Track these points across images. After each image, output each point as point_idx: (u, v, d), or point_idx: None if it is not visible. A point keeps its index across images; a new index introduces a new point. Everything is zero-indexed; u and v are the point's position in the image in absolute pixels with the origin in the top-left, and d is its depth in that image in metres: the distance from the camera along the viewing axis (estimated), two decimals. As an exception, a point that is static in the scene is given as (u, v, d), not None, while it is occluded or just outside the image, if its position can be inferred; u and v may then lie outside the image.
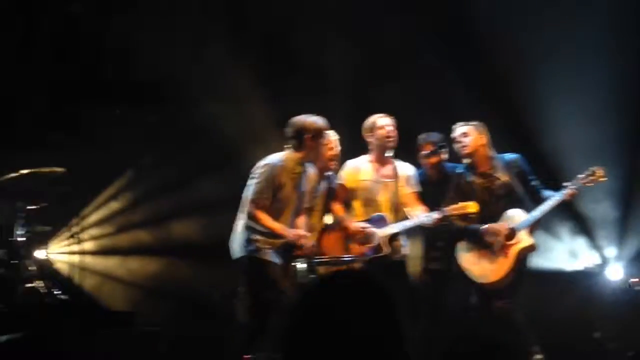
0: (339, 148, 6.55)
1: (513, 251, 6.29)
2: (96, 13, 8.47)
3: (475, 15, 7.89)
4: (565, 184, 6.28)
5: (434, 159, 6.77)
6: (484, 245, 6.34)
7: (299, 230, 6.07)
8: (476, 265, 6.39)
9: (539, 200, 6.37)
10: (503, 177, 6.42)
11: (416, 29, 7.99)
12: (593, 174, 6.25)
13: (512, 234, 6.28)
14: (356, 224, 6.43)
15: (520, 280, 6.40)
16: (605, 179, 6.30)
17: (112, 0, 8.52)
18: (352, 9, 8.24)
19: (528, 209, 6.35)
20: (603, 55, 7.72)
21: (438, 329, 6.49)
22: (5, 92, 8.23)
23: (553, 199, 6.28)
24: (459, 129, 6.47)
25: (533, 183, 6.47)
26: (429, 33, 8.01)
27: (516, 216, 6.33)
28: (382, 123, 6.52)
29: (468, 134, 6.43)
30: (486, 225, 6.31)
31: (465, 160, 6.52)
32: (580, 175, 6.26)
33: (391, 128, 6.51)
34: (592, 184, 6.30)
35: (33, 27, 8.52)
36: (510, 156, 6.55)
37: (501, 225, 6.28)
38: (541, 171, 6.70)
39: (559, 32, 7.85)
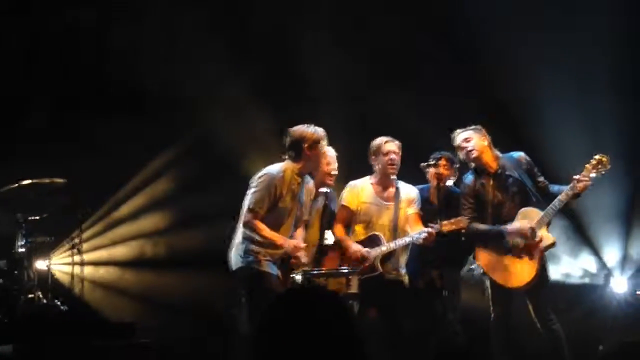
0: (336, 164, 6.50)
1: (538, 250, 6.19)
2: (97, 24, 8.50)
3: (474, 20, 7.91)
4: (575, 176, 6.09)
5: (435, 172, 6.65)
6: (507, 248, 6.23)
7: (297, 241, 6.02)
8: (502, 271, 6.27)
9: (549, 196, 6.27)
10: (513, 174, 6.33)
11: (416, 37, 8.02)
12: (600, 161, 6.08)
13: (533, 233, 6.17)
14: (353, 246, 6.36)
15: (545, 279, 6.31)
16: (610, 166, 6.09)
17: (114, 11, 8.55)
18: (352, 18, 8.27)
19: (539, 205, 6.25)
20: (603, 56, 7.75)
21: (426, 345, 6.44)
22: (7, 102, 8.25)
23: (564, 193, 6.11)
24: (460, 136, 6.39)
25: (541, 179, 6.39)
26: (428, 40, 8.03)
27: (532, 214, 6.21)
28: (387, 149, 6.44)
29: (470, 139, 6.35)
30: (509, 227, 6.20)
31: (472, 166, 6.43)
32: (587, 165, 6.09)
33: (394, 156, 6.43)
34: (602, 173, 6.10)
35: (34, 39, 8.54)
36: (515, 154, 6.48)
37: (523, 226, 6.17)
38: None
39: (558, 36, 7.87)
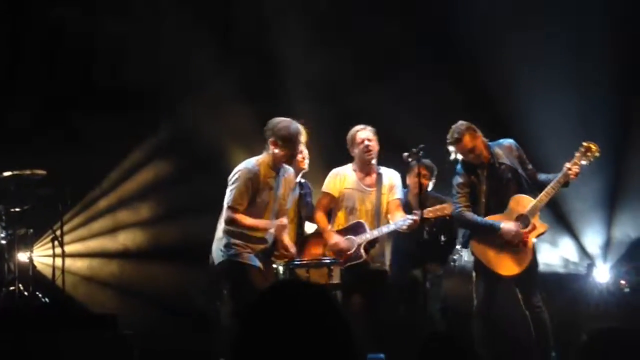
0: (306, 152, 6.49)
1: (531, 239, 6.22)
2: (84, 20, 8.48)
3: (459, 19, 7.93)
4: (567, 164, 6.11)
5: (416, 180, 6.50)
6: (501, 241, 6.22)
7: (280, 219, 5.99)
8: (497, 260, 6.25)
9: (537, 184, 6.29)
10: (506, 162, 6.31)
11: (400, 34, 8.05)
12: (589, 149, 6.13)
13: (526, 221, 6.18)
14: (335, 236, 6.36)
15: (535, 267, 6.36)
16: (599, 154, 6.15)
17: (102, 7, 8.55)
18: (336, 14, 8.29)
19: (531, 192, 6.27)
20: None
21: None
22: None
23: (556, 180, 6.13)
24: (464, 147, 6.26)
25: (530, 166, 6.39)
26: (412, 38, 8.06)
27: (524, 201, 6.22)
28: (361, 137, 6.41)
29: (474, 146, 6.25)
30: (503, 225, 6.17)
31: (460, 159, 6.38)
32: (577, 153, 6.12)
33: (370, 142, 6.39)
34: (591, 160, 6.15)
35: (21, 32, 8.51)
36: (505, 141, 6.46)
37: (516, 226, 6.15)
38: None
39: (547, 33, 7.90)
